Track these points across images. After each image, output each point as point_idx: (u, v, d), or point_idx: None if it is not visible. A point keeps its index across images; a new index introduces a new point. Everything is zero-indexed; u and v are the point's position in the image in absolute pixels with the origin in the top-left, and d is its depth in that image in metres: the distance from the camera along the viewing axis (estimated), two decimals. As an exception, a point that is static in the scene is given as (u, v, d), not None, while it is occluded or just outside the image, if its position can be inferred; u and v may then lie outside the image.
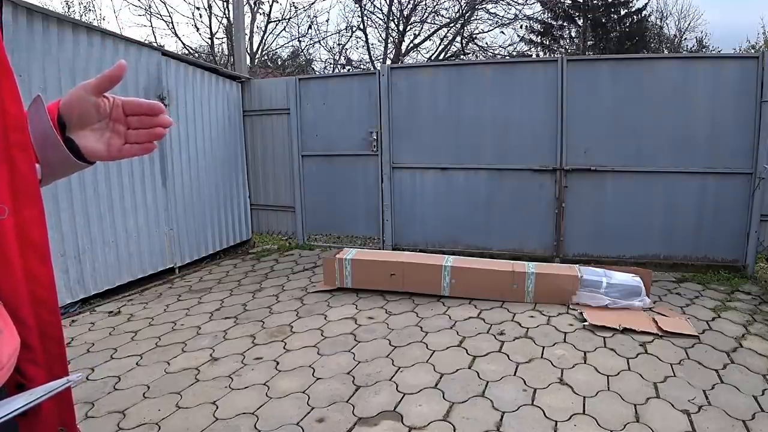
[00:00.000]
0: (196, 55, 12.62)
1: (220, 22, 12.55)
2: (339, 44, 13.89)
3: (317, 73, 13.98)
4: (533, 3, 14.24)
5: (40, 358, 0.64)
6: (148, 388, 2.71)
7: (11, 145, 0.61)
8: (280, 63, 14.95)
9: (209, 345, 3.27)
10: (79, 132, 0.73)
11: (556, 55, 15.84)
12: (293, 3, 15.40)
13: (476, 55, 13.97)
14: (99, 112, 0.73)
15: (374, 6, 13.41)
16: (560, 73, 4.79)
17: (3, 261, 0.59)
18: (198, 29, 13.95)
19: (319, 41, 14.02)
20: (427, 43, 14.31)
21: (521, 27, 15.74)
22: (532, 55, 16.70)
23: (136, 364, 3.01)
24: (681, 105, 4.55)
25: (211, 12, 12.36)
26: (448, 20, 13.48)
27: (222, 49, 13.22)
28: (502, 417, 2.36)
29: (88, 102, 0.71)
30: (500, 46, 14.68)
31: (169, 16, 18.41)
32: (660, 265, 4.72)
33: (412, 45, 13.97)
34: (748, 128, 4.41)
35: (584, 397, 2.51)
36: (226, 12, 11.91)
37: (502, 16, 13.56)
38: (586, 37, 17.33)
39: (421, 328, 3.46)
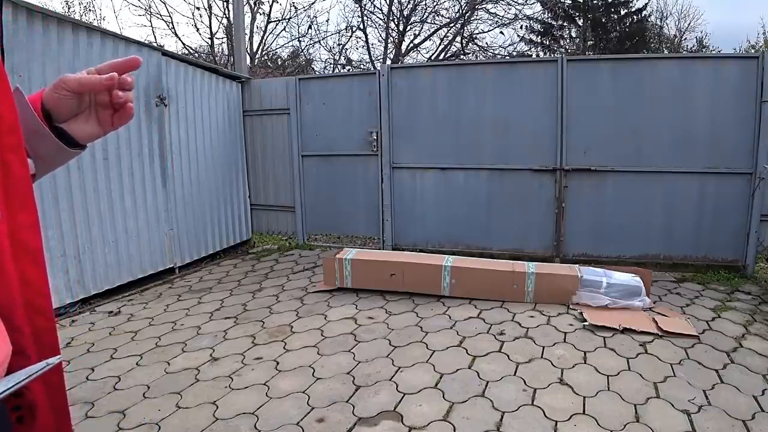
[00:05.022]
0: (196, 55, 12.61)
1: (220, 22, 12.57)
2: (339, 44, 13.89)
3: (317, 73, 13.97)
4: (533, 3, 14.24)
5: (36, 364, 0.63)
6: (148, 388, 2.71)
7: (4, 148, 0.59)
8: (280, 63, 14.94)
9: (209, 345, 3.26)
10: (67, 120, 0.71)
11: (556, 55, 15.83)
12: (293, 3, 15.41)
13: (476, 55, 13.96)
14: (84, 102, 0.71)
15: (374, 6, 13.42)
16: (560, 73, 4.79)
17: None
18: (198, 29, 14.01)
19: (319, 41, 14.02)
20: (427, 43, 14.32)
21: (521, 27, 15.76)
22: (532, 55, 16.69)
23: (136, 364, 3.01)
24: (681, 105, 4.55)
25: (211, 12, 12.38)
26: (448, 20, 13.47)
27: (222, 49, 13.23)
28: (502, 417, 2.36)
29: (72, 100, 0.70)
30: (500, 46, 14.68)
31: (169, 16, 18.43)
32: (660, 265, 4.72)
33: (412, 45, 13.97)
34: (748, 128, 4.40)
35: (584, 397, 2.51)
36: (226, 12, 11.92)
37: (502, 16, 13.57)
38: (586, 37, 17.32)
39: (421, 328, 3.46)
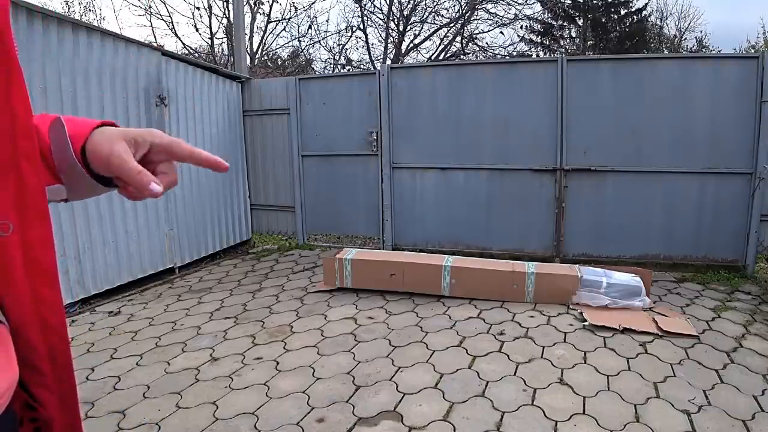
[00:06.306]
0: (196, 55, 12.60)
1: (220, 22, 12.55)
2: (339, 44, 13.89)
3: (317, 73, 13.97)
4: (533, 3, 14.24)
5: (52, 384, 0.60)
6: (148, 388, 2.71)
7: (19, 153, 0.54)
8: (280, 63, 14.93)
9: (209, 345, 3.26)
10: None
11: (556, 55, 15.84)
12: (293, 3, 15.42)
13: (476, 55, 13.95)
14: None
15: (374, 6, 13.42)
16: (560, 73, 4.79)
17: (8, 282, 0.54)
18: (198, 29, 13.95)
19: (319, 41, 14.03)
20: (427, 43, 14.32)
21: (521, 27, 15.76)
22: (532, 55, 16.69)
23: (136, 364, 3.01)
24: (681, 105, 4.55)
25: (211, 12, 12.36)
26: (448, 20, 13.47)
27: (222, 49, 13.22)
28: (502, 417, 2.36)
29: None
30: (500, 46, 14.67)
31: (169, 16, 18.40)
32: (660, 265, 4.72)
33: (412, 45, 13.97)
34: (748, 128, 4.40)
35: (584, 397, 2.51)
36: (226, 12, 11.91)
37: (502, 16, 13.56)
38: (586, 37, 17.33)
39: (421, 328, 3.46)
